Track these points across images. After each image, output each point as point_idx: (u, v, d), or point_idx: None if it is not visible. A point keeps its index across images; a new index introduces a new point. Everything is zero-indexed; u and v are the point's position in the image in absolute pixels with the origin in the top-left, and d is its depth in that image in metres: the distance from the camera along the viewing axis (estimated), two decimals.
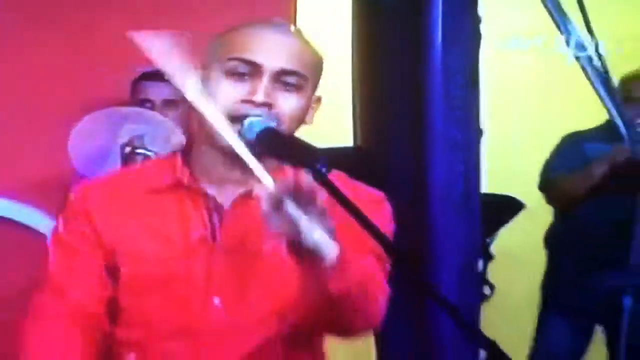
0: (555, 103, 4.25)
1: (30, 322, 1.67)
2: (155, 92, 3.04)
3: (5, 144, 3.24)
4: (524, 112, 4.31)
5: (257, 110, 1.52)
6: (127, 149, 2.78)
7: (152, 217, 1.66)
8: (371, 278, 1.53)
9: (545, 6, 3.16)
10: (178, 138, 2.83)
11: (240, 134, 1.48)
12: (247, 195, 1.62)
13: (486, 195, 3.37)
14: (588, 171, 3.39)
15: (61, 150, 2.88)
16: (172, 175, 1.66)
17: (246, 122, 1.49)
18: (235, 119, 1.50)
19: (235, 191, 1.65)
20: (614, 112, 3.25)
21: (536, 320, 3.75)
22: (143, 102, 3.05)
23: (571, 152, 3.56)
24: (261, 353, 1.62)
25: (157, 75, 2.97)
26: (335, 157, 1.67)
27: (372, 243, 1.45)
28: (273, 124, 1.48)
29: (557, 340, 3.64)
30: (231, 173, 1.62)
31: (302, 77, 1.54)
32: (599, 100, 3.25)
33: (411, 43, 3.02)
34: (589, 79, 3.20)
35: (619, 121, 3.25)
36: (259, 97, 1.52)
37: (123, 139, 2.81)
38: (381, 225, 1.54)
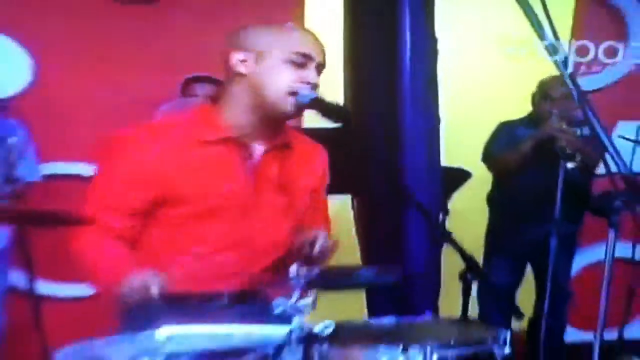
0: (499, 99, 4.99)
1: (78, 235, 2.18)
2: (200, 89, 4.03)
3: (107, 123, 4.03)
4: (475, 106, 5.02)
5: (309, 87, 2.18)
6: None
7: (202, 162, 2.19)
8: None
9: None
10: None
11: (297, 101, 2.16)
12: (280, 148, 2.28)
13: (444, 167, 4.17)
14: (518, 149, 4.20)
15: None
16: (215, 129, 2.21)
17: (304, 92, 2.16)
18: (293, 93, 2.16)
19: (263, 145, 2.25)
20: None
21: (482, 262, 4.41)
22: (192, 97, 4.05)
23: (505, 134, 4.36)
24: (283, 258, 2.25)
25: (201, 78, 4.03)
26: (328, 134, 2.54)
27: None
28: (317, 95, 2.18)
29: (497, 276, 4.41)
30: (263, 129, 2.24)
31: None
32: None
33: (387, 55, 3.92)
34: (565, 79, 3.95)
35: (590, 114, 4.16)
36: (312, 80, 2.19)
37: None
38: (323, 163, 2.43)
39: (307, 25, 4.29)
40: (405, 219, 3.90)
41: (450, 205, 4.45)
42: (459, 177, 4.58)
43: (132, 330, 1.85)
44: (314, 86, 2.20)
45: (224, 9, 4.40)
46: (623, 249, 4.48)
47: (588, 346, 4.63)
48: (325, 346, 1.83)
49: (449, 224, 4.22)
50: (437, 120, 4.10)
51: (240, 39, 2.25)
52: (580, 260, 4.96)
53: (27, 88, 4.21)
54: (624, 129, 4.64)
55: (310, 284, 1.90)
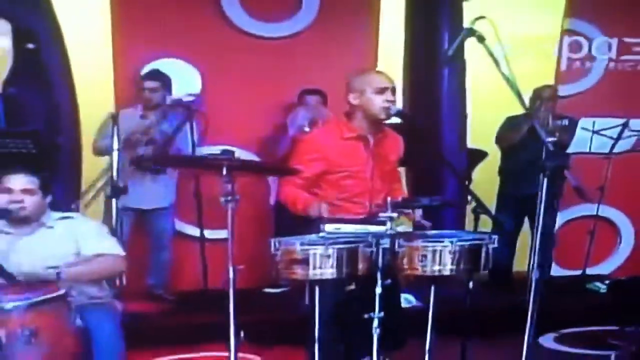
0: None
1: (284, 185, 3.99)
2: (310, 99, 6.12)
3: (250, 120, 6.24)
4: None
5: (392, 104, 3.82)
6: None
7: (345, 149, 3.88)
8: None
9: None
10: (325, 116, 5.80)
11: (388, 112, 3.81)
12: (381, 138, 3.95)
13: (469, 149, 6.30)
14: (517, 130, 5.99)
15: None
16: (351, 131, 3.88)
17: (393, 108, 3.82)
18: (384, 109, 3.79)
19: (373, 137, 3.92)
20: None
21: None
22: (304, 104, 6.13)
23: (509, 123, 6.18)
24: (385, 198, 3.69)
25: (310, 91, 6.14)
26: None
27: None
28: (399, 108, 4.05)
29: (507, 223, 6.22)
30: (372, 129, 3.91)
31: None
32: None
33: (430, 65, 6.06)
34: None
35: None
36: (391, 99, 3.80)
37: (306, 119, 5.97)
38: (401, 145, 4.11)
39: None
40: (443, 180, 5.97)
41: (474, 174, 6.29)
42: (479, 155, 6.47)
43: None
44: (394, 102, 3.91)
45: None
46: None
47: (568, 278, 6.72)
48: (401, 239, 3.47)
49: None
50: (464, 114, 6.19)
51: (351, 85, 3.94)
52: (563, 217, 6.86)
53: (198, 94, 6.22)
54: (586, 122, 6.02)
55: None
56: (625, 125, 5.66)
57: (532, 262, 5.76)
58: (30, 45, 5.99)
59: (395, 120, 4.07)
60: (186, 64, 6.32)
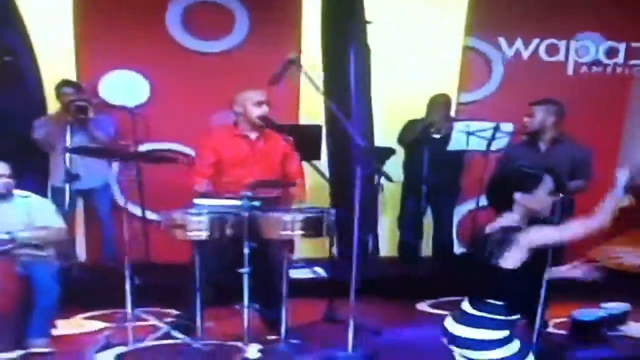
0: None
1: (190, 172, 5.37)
2: None
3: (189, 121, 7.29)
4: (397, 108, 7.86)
5: (265, 112, 5.33)
6: None
7: (232, 144, 5.29)
8: None
9: None
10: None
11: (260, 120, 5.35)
12: (260, 137, 5.36)
13: (380, 146, 7.43)
14: (412, 131, 7.21)
15: None
16: (236, 131, 5.34)
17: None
18: (260, 117, 5.28)
19: (254, 136, 5.35)
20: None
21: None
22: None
23: (410, 126, 7.32)
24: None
25: None
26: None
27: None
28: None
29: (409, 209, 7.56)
30: (253, 130, 5.32)
31: None
32: None
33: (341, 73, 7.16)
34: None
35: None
36: (265, 111, 5.32)
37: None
38: (283, 142, 5.51)
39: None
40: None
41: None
42: (388, 152, 7.34)
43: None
44: (266, 112, 5.31)
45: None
46: None
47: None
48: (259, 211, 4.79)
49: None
50: (370, 116, 7.41)
51: (235, 99, 5.36)
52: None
53: (147, 101, 7.56)
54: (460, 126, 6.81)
55: None
56: (496, 128, 6.67)
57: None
58: (8, 58, 7.20)
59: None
60: (138, 75, 7.52)
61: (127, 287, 4.77)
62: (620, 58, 8.59)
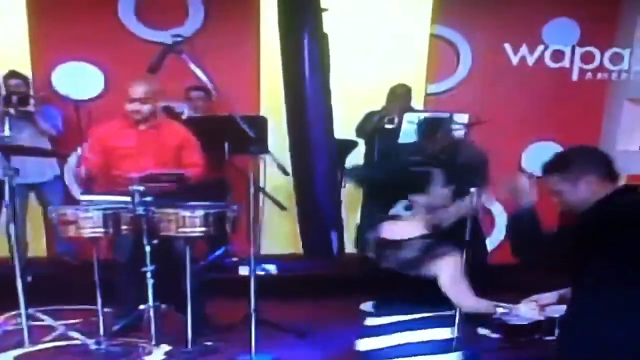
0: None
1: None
2: (193, 94, 7.20)
3: None
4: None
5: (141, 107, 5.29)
6: None
7: (119, 136, 5.22)
8: None
9: None
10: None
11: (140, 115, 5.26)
12: (150, 129, 5.25)
13: (342, 139, 7.28)
14: (368, 123, 7.03)
15: None
16: (124, 123, 5.25)
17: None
18: (134, 112, 5.27)
19: (142, 126, 5.25)
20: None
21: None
22: (189, 99, 7.21)
23: (368, 118, 7.11)
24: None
25: (195, 87, 7.13)
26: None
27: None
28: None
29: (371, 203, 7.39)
30: (141, 122, 5.21)
31: None
32: None
33: (295, 64, 6.96)
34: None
35: None
36: (140, 107, 5.26)
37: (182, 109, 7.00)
38: (179, 133, 5.37)
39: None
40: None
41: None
42: (351, 144, 7.43)
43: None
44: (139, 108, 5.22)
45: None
46: None
47: None
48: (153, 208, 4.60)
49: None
50: (330, 109, 7.08)
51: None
52: None
53: (102, 92, 7.44)
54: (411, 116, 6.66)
55: None
56: (450, 120, 6.45)
57: None
58: None
59: None
60: (92, 67, 7.38)
61: (19, 285, 4.58)
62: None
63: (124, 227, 4.46)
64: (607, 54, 8.33)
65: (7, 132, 6.16)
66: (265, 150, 6.75)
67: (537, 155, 8.09)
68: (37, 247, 7.31)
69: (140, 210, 4.40)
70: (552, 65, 8.29)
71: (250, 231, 4.57)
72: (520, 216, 3.21)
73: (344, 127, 7.39)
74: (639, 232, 2.96)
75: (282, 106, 7.29)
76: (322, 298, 6.30)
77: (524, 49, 8.19)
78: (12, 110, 6.45)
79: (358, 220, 7.55)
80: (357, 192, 7.45)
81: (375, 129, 7.02)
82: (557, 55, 8.26)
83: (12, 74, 6.85)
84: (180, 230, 4.47)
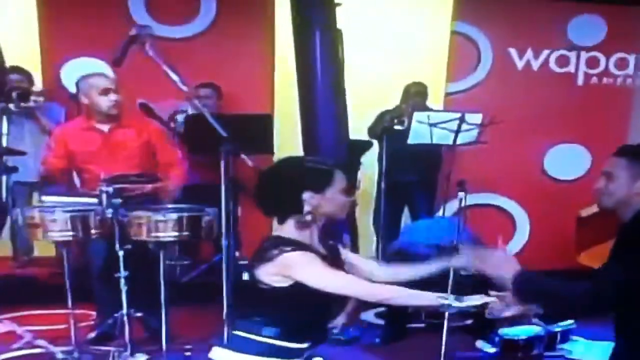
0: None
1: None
2: (202, 92, 7.03)
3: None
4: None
5: (113, 101, 5.00)
6: None
7: (82, 138, 4.89)
8: None
9: None
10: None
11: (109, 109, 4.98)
12: (115, 128, 4.94)
13: (357, 140, 6.94)
14: (379, 122, 6.68)
15: None
16: (86, 123, 4.94)
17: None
18: (110, 107, 4.97)
19: (105, 128, 4.93)
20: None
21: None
22: (198, 97, 7.04)
23: (380, 118, 6.80)
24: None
25: (204, 84, 6.96)
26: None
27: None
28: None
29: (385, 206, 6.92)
30: (105, 121, 4.92)
31: None
32: None
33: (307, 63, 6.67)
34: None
35: None
36: (114, 98, 4.98)
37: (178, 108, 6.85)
38: (148, 130, 5.07)
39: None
40: None
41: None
42: (367, 144, 7.00)
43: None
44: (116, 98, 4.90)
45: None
46: None
47: None
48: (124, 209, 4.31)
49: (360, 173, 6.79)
50: (343, 106, 6.76)
51: (79, 86, 4.99)
52: None
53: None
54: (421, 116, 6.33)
55: None
56: (462, 119, 6.17)
57: None
58: None
59: None
60: (101, 62, 7.24)
61: None
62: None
63: (93, 230, 4.25)
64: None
65: (4, 129, 6.10)
66: (269, 149, 6.61)
67: (560, 157, 7.86)
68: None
69: (109, 213, 4.19)
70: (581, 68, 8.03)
71: (222, 233, 4.29)
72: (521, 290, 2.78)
73: (360, 127, 7.09)
74: None
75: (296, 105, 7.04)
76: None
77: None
78: (12, 106, 6.32)
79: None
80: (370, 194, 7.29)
81: (384, 129, 6.69)
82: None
83: (14, 69, 6.72)
84: (152, 234, 4.25)
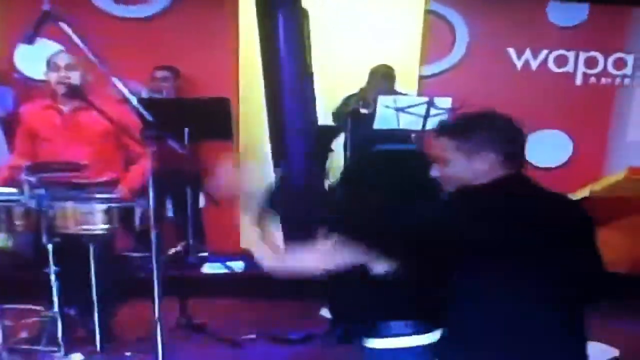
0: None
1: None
2: (158, 74, 6.71)
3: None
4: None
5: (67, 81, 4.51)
6: None
7: (42, 117, 4.46)
8: None
9: None
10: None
11: (68, 88, 4.46)
12: (77, 109, 4.44)
13: (327, 125, 6.68)
14: (344, 107, 6.41)
15: None
16: (46, 102, 4.47)
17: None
18: (60, 85, 4.47)
19: (67, 108, 4.48)
20: None
21: None
22: (155, 78, 6.72)
23: (345, 102, 6.50)
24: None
25: (161, 67, 6.64)
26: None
27: None
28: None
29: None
30: (66, 100, 4.42)
31: None
32: None
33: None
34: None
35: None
36: (68, 76, 4.48)
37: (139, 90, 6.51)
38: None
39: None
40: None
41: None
42: (338, 130, 6.64)
43: None
44: (68, 78, 4.43)
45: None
46: None
47: None
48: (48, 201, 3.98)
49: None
50: (310, 90, 6.30)
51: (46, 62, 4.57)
52: None
53: None
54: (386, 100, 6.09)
55: None
56: (430, 103, 5.86)
57: None
58: None
59: None
60: (58, 45, 6.90)
61: None
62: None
63: (17, 222, 3.91)
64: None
65: None
66: (228, 135, 6.28)
67: (542, 143, 7.54)
68: None
69: (32, 203, 3.86)
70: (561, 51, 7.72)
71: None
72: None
73: (330, 112, 6.79)
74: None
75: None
76: (284, 299, 5.71)
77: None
78: None
79: None
80: None
81: (349, 113, 6.37)
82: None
83: None
84: (79, 227, 3.92)
